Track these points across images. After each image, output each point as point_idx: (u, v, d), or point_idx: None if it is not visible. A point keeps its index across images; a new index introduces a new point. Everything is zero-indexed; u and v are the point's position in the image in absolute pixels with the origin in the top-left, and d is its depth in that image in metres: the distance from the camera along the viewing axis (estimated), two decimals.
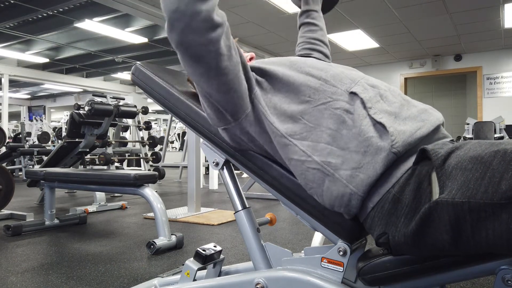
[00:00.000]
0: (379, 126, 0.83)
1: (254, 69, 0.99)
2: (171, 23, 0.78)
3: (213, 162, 1.12)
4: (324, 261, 0.92)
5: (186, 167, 4.15)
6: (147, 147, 5.82)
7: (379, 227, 0.79)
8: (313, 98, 0.90)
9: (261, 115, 0.92)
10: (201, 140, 1.14)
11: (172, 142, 13.27)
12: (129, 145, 6.30)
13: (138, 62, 1.23)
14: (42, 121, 12.42)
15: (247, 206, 1.09)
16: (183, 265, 1.22)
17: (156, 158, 5.43)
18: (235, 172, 1.15)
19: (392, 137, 0.81)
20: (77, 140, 4.21)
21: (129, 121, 6.05)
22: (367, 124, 0.84)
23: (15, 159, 7.09)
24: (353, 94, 0.89)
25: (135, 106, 4.60)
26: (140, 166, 8.15)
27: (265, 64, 1.01)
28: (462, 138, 6.16)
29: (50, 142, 9.81)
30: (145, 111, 5.16)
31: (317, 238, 1.78)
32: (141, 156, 5.74)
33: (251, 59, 1.19)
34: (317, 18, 1.34)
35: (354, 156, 0.82)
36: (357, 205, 0.82)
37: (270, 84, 0.96)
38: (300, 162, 0.87)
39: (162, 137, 8.92)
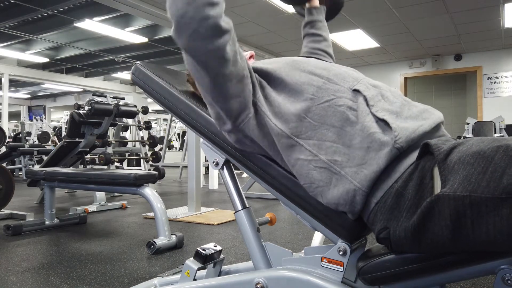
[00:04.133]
0: (382, 123, 0.84)
1: (256, 70, 0.99)
2: (179, 28, 0.78)
3: (213, 162, 1.12)
4: (324, 260, 0.92)
5: (186, 167, 4.14)
6: (147, 146, 5.82)
7: (381, 221, 0.79)
8: (316, 96, 0.90)
9: (264, 119, 0.92)
10: (201, 139, 1.14)
11: (171, 142, 13.26)
12: (129, 145, 6.29)
13: (138, 62, 1.23)
14: (42, 121, 12.41)
15: (247, 205, 1.09)
16: (183, 264, 1.22)
17: (156, 157, 5.43)
18: (235, 172, 1.15)
19: (395, 132, 0.81)
20: (77, 139, 4.21)
21: (129, 121, 6.05)
22: (370, 121, 0.84)
23: (15, 159, 7.09)
24: (356, 91, 0.89)
25: (135, 106, 4.60)
26: (140, 166, 8.15)
27: (267, 64, 1.01)
28: (462, 137, 6.16)
29: (50, 142, 9.80)
30: (145, 111, 5.17)
31: (317, 238, 1.78)
32: (141, 156, 5.74)
33: (250, 57, 1.19)
34: (322, 29, 1.33)
35: (358, 153, 0.83)
36: (361, 201, 0.82)
37: (273, 85, 0.96)
38: (307, 162, 0.87)
39: (162, 137, 8.92)
